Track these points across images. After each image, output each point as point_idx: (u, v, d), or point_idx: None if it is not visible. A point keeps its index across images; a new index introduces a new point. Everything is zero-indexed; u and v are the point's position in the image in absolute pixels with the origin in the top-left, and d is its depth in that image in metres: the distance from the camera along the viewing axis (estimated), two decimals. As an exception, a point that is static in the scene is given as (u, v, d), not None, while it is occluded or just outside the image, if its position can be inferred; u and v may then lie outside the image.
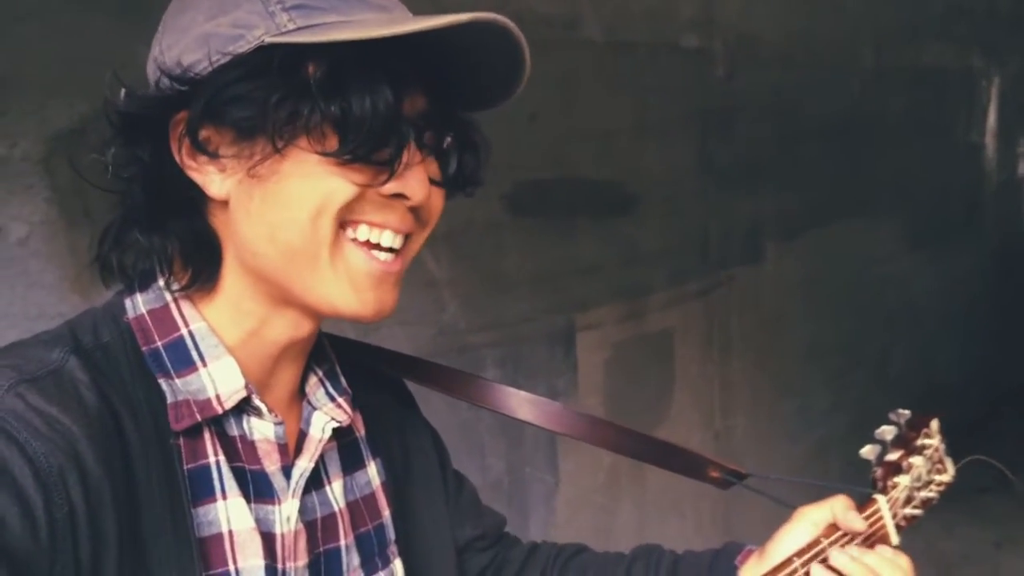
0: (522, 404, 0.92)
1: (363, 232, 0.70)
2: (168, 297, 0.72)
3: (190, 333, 0.71)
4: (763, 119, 3.10)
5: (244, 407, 0.73)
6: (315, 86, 0.64)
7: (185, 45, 0.67)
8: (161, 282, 0.72)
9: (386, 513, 0.85)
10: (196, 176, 0.69)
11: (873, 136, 3.75)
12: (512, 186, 2.24)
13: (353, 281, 0.70)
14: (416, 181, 0.70)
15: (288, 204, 0.67)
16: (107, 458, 0.64)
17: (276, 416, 0.74)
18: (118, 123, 0.69)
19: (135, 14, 1.01)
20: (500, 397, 0.92)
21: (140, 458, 0.66)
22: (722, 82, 2.89)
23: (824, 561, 0.85)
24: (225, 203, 0.70)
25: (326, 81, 0.64)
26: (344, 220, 0.69)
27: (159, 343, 0.71)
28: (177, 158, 0.68)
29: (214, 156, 0.68)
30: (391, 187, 0.69)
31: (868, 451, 0.97)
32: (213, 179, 0.69)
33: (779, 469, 3.35)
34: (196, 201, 0.70)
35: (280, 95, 0.64)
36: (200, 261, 0.71)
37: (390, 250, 0.71)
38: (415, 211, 0.72)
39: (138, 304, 0.72)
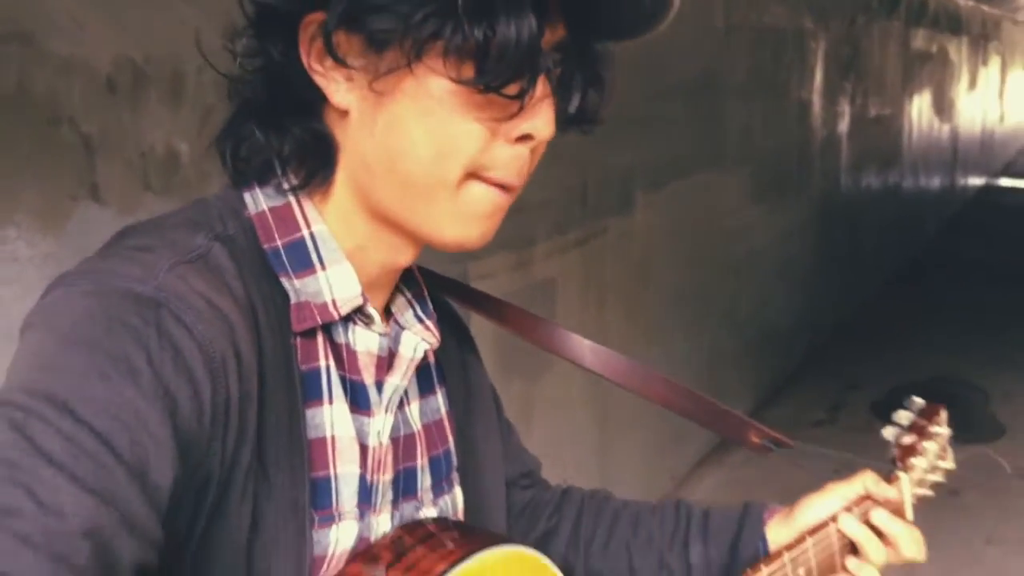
0: (587, 353, 0.92)
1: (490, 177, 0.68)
2: (290, 196, 0.70)
3: (311, 235, 0.69)
4: (634, 74, 3.16)
5: (351, 316, 0.71)
6: (462, 7, 0.60)
7: None
8: (282, 181, 0.70)
9: (451, 441, 0.84)
10: (321, 81, 0.66)
11: (725, 93, 3.92)
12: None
13: (470, 216, 0.68)
14: (544, 120, 0.67)
15: (413, 139, 0.65)
16: (252, 351, 0.63)
17: (385, 326, 0.73)
18: (251, 14, 0.67)
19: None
20: (569, 345, 0.92)
21: (270, 354, 0.65)
22: (598, 34, 2.92)
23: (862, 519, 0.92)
24: (345, 112, 0.67)
25: (475, 3, 0.60)
26: (471, 172, 0.66)
27: (279, 242, 0.69)
28: (304, 60, 0.66)
29: (343, 64, 0.65)
30: (520, 126, 0.66)
31: (888, 432, 1.03)
32: (338, 87, 0.66)
33: (646, 413, 3.47)
34: (316, 104, 0.68)
35: (425, 12, 0.61)
36: (315, 163, 0.69)
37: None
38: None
39: (259, 200, 0.70)
